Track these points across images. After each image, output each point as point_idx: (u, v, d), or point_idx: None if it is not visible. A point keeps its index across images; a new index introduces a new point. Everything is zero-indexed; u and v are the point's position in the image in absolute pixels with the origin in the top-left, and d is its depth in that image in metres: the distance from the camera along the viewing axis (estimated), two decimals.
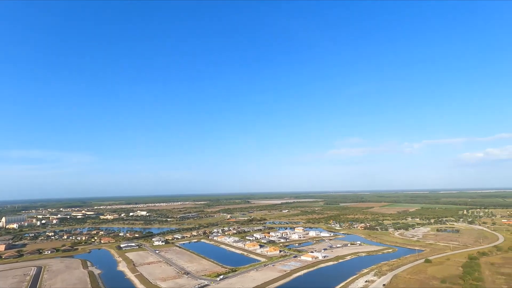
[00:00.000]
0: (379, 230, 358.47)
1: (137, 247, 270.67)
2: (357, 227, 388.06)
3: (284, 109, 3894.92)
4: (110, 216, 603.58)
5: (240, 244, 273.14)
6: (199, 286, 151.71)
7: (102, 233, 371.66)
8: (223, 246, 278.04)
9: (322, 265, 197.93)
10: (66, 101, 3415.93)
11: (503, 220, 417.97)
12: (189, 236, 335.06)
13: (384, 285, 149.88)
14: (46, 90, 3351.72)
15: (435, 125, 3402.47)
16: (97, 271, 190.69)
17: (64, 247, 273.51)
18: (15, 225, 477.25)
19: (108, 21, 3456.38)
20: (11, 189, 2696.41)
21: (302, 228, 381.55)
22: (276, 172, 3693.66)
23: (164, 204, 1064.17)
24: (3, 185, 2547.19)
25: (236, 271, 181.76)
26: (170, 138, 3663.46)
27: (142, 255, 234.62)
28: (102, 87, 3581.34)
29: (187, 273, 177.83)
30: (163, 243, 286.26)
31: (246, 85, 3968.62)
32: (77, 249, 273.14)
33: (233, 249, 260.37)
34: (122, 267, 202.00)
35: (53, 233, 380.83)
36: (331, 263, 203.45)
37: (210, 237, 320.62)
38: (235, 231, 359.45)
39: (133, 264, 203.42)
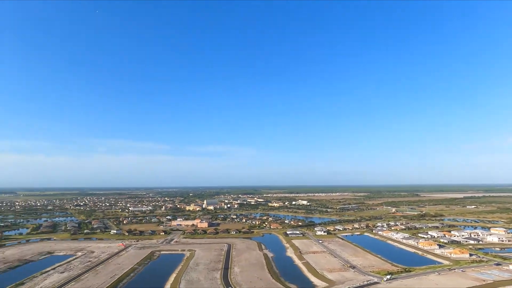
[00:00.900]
0: None
1: (301, 235, 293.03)
2: None
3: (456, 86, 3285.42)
4: (276, 204, 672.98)
5: (411, 242, 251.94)
6: (368, 282, 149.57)
7: (271, 219, 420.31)
8: (390, 241, 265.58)
9: None
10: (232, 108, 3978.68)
11: None
12: (350, 228, 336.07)
13: None
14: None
15: None
16: (270, 254, 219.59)
17: (244, 229, 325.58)
18: (211, 207, 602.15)
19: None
20: (205, 177, 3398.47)
21: (504, 229, 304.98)
22: (450, 161, 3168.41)
23: (323, 194, 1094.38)
24: (204, 173, 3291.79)
25: (410, 271, 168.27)
26: (323, 131, 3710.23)
27: (307, 244, 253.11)
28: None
29: (352, 266, 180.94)
30: (325, 233, 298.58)
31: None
32: (253, 232, 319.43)
33: (402, 246, 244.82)
34: (290, 253, 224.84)
35: (235, 216, 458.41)
36: None
37: (374, 231, 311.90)
38: (403, 227, 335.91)
39: (300, 252, 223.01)
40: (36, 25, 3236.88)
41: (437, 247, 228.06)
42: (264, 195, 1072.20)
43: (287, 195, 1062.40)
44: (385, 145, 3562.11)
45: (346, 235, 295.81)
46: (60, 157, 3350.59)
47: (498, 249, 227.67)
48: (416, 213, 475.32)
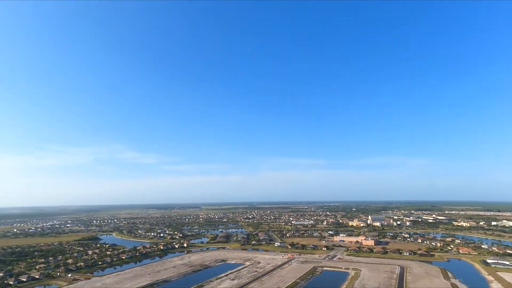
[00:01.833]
0: None
1: None
2: None
3: None
4: (465, 224, 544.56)
5: None
6: None
7: (459, 241, 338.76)
8: None
9: None
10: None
11: None
12: None
13: None
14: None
15: None
16: (461, 285, 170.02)
17: (420, 251, 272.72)
18: (378, 223, 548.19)
19: None
20: (368, 191, 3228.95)
21: None
22: None
23: None
24: (367, 186, 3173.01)
25: None
26: None
27: None
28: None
29: None
30: None
31: None
32: (433, 255, 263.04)
33: None
34: None
35: (408, 235, 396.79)
36: None
37: None
38: None
39: None
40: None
41: None
42: (446, 212, 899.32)
43: (481, 213, 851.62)
44: None
45: None
46: (233, 176, 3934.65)
47: None
48: None
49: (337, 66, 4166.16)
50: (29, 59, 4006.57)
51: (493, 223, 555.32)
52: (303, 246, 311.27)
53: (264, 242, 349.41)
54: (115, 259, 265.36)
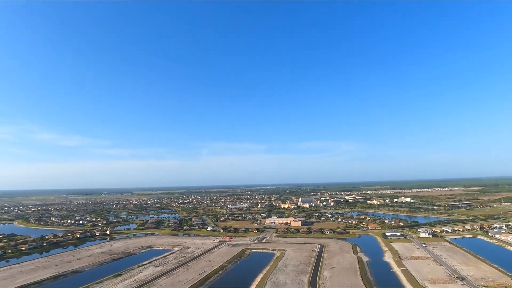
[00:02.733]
0: None
1: (402, 237, 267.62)
2: None
3: None
4: (376, 202, 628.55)
5: None
6: None
7: (369, 218, 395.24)
8: (510, 248, 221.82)
9: None
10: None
11: None
12: (461, 230, 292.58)
13: None
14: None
15: None
16: (365, 258, 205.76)
17: (339, 229, 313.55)
18: (307, 205, 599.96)
19: None
20: (302, 173, 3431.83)
21: None
22: None
23: (429, 190, 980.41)
24: (297, 170, 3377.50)
25: None
26: (432, 120, 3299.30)
27: (408, 247, 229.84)
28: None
29: (461, 278, 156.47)
30: (430, 236, 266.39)
31: None
32: (348, 232, 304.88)
33: None
34: (388, 258, 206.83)
35: (331, 215, 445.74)
36: None
37: (490, 234, 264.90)
38: None
39: (399, 257, 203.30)
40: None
41: None
42: (364, 192, 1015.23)
43: (388, 191, 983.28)
44: (503, 130, 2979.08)
45: (455, 238, 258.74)
46: (172, 161, 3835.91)
47: None
48: None
49: (277, 58, 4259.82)
50: None
51: (395, 200, 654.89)
52: (236, 230, 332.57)
53: (197, 227, 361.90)
54: (10, 250, 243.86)
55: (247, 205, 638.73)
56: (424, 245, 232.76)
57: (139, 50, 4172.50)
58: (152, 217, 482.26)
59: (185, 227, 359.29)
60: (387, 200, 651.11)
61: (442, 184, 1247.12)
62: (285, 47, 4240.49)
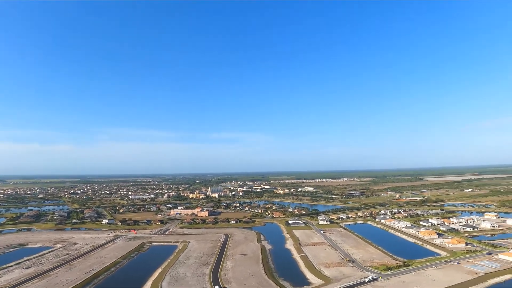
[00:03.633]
0: None
1: (303, 224, 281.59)
2: None
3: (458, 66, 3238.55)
4: (282, 191, 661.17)
5: (412, 231, 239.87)
6: (366, 279, 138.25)
7: (275, 207, 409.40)
8: (392, 231, 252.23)
9: None
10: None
11: None
12: (354, 216, 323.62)
13: None
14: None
15: None
16: (268, 246, 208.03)
17: (245, 218, 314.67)
18: (216, 195, 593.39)
19: None
20: (214, 163, 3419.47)
21: (495, 214, 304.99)
22: (450, 143, 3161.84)
23: (330, 180, 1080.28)
24: (210, 160, 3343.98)
25: (409, 265, 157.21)
26: (331, 117, 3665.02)
27: (308, 234, 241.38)
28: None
29: (352, 260, 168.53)
30: (328, 223, 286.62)
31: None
32: (254, 221, 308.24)
33: (404, 236, 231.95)
34: (289, 245, 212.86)
35: (238, 204, 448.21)
36: None
37: (377, 219, 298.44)
38: (405, 214, 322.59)
39: (299, 243, 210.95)
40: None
41: (436, 236, 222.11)
42: (272, 181, 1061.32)
43: (294, 181, 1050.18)
44: (390, 128, 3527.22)
45: (349, 224, 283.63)
46: (62, 146, 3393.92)
47: (489, 235, 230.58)
48: (418, 198, 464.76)
49: (190, 40, 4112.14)
50: None
51: (299, 189, 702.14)
52: (136, 222, 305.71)
53: (89, 220, 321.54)
54: None
55: (152, 195, 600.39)
56: (322, 232, 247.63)
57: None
58: (31, 210, 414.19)
59: (73, 221, 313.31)
60: (292, 190, 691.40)
61: (341, 175, 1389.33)
62: (196, 33, 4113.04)
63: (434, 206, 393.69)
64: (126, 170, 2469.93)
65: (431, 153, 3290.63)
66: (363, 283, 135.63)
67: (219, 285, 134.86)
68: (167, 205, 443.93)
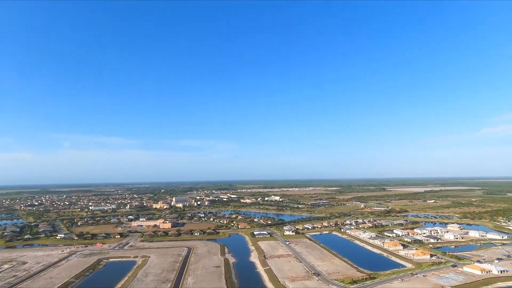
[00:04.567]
0: None
1: (269, 235, 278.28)
2: None
3: (422, 83, 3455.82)
4: (249, 200, 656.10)
5: (377, 242, 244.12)
6: None
7: (240, 217, 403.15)
8: (357, 242, 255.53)
9: (501, 284, 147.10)
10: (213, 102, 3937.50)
11: None
12: (319, 226, 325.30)
13: None
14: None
15: None
16: (231, 260, 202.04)
17: (209, 230, 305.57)
18: (180, 205, 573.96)
19: None
20: (180, 172, 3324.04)
21: (458, 225, 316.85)
22: (414, 155, 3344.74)
23: (296, 189, 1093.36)
24: (177, 168, 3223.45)
25: (375, 278, 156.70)
26: (300, 126, 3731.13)
27: (273, 246, 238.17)
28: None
29: (317, 273, 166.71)
30: (294, 233, 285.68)
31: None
32: (219, 232, 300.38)
33: (369, 247, 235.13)
34: (254, 257, 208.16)
35: (203, 214, 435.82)
36: None
37: (342, 230, 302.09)
38: (370, 224, 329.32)
39: (264, 256, 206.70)
40: None
41: (401, 247, 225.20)
42: (239, 190, 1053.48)
43: (261, 190, 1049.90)
44: (356, 138, 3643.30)
45: (314, 235, 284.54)
46: (20, 153, 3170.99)
47: (453, 247, 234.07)
48: (383, 208, 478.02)
49: (156, 45, 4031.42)
50: None
51: (266, 198, 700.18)
52: (94, 236, 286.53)
53: (43, 235, 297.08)
54: None
55: (113, 206, 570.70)
56: (287, 243, 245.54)
57: None
58: None
59: (26, 236, 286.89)
60: (258, 199, 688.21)
61: (307, 184, 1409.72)
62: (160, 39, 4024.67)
63: (398, 216, 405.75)
64: (88, 179, 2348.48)
65: (395, 163, 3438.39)
66: None
67: None
68: (129, 217, 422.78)
